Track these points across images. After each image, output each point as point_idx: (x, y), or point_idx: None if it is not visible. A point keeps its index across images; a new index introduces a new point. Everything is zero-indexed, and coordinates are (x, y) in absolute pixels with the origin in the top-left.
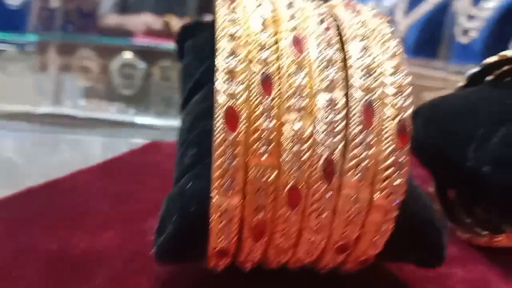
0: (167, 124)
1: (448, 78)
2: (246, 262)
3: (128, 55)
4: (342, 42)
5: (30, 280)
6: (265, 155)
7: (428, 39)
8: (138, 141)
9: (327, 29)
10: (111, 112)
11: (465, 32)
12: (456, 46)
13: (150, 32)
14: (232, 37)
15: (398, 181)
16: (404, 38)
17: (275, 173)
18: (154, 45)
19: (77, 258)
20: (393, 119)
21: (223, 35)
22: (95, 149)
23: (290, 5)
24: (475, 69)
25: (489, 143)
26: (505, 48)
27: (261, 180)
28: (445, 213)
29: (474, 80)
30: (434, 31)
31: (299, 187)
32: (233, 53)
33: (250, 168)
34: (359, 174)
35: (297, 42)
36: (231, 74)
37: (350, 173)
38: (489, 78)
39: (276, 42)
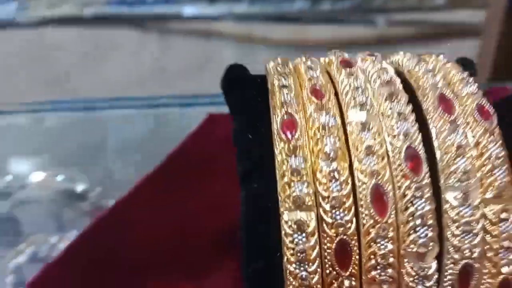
0: None
1: None
2: None
3: None
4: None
5: None
6: None
7: None
8: None
9: (416, 169)
10: None
11: None
12: None
13: None
14: (298, 203)
15: None
16: None
17: None
18: None
19: None
20: (493, 278)
21: (287, 199)
22: None
23: (364, 127)
24: None
25: None
26: None
27: None
28: None
29: None
30: None
31: None
32: (301, 226)
33: None
34: None
35: (378, 197)
36: (302, 254)
37: None
38: None
39: (350, 195)
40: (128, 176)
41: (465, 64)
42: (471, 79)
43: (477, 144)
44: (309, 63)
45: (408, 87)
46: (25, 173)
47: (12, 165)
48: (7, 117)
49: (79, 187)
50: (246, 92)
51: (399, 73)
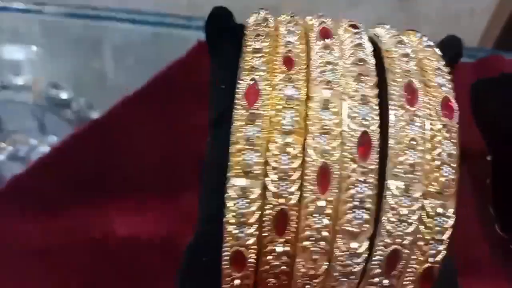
0: None
1: None
2: None
3: None
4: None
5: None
6: (275, 284)
7: None
8: None
9: (365, 154)
10: None
11: None
12: None
13: None
14: (246, 170)
15: None
16: None
17: None
18: None
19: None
20: (419, 264)
21: (236, 165)
22: None
23: (325, 106)
24: None
25: None
26: None
27: None
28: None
29: None
30: None
31: None
32: (245, 192)
33: (260, 286)
34: None
35: (323, 175)
36: (241, 218)
37: None
38: None
39: (297, 169)
40: (119, 81)
41: (452, 44)
42: (446, 70)
43: (432, 137)
44: (291, 25)
45: (382, 67)
46: (18, 62)
47: (4, 53)
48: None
49: (64, 95)
50: (227, 44)
51: (377, 50)
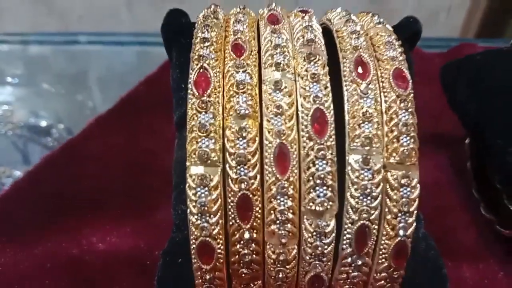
0: None
1: None
2: None
3: None
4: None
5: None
6: (247, 275)
7: None
8: None
9: (321, 131)
10: None
11: None
12: None
13: None
14: (203, 158)
15: None
16: None
17: (259, 283)
18: None
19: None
20: (390, 239)
21: (193, 153)
22: None
23: (277, 87)
24: None
25: None
26: None
27: None
28: (474, 179)
29: None
30: None
31: None
32: (204, 180)
33: (234, 280)
34: (348, 286)
35: (281, 156)
36: (203, 207)
37: (339, 282)
38: None
39: (255, 152)
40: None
41: (408, 24)
42: (396, 43)
43: (388, 109)
44: (240, 16)
45: (333, 48)
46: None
47: None
48: None
49: (43, 122)
50: (182, 42)
51: (328, 33)
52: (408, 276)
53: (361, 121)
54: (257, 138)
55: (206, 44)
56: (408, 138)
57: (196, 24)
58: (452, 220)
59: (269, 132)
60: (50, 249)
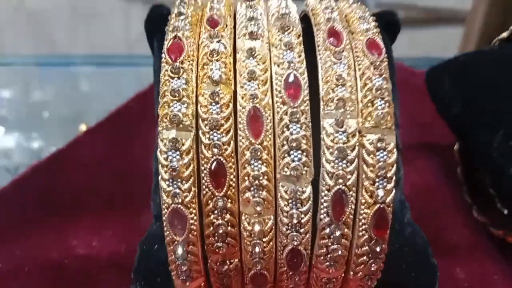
0: None
1: None
2: None
3: None
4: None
5: None
6: (223, 250)
7: None
8: None
9: (295, 95)
10: None
11: None
12: None
13: None
14: (174, 122)
15: (374, 267)
16: None
17: (236, 261)
18: None
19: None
20: (369, 208)
21: (164, 118)
22: None
23: (251, 54)
24: None
25: None
26: None
27: (222, 268)
28: (465, 183)
29: None
30: None
31: (264, 272)
32: (175, 143)
33: (209, 258)
34: (328, 262)
35: (254, 119)
36: (175, 172)
37: (319, 259)
38: None
39: (229, 117)
40: None
41: (384, 14)
42: (370, 18)
43: (361, 76)
44: None
45: (310, 28)
46: None
47: None
48: None
49: (35, 144)
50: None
51: (307, 20)
52: (395, 262)
53: (334, 85)
54: (230, 104)
55: (182, 17)
56: (382, 101)
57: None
58: (444, 222)
59: (242, 98)
60: (29, 252)
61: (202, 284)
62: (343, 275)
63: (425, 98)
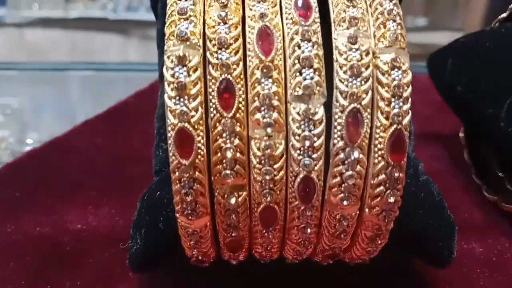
0: None
1: None
2: (230, 261)
3: None
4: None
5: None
6: (231, 178)
7: None
8: None
9: (305, 15)
10: None
11: None
12: None
13: None
14: (182, 38)
15: (391, 199)
16: None
17: (244, 194)
18: None
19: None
20: (385, 130)
21: (171, 35)
22: None
23: None
24: None
25: None
26: None
27: (229, 201)
28: (473, 165)
29: None
30: None
31: (274, 207)
32: (182, 59)
33: (216, 189)
34: (343, 194)
35: (264, 37)
36: (182, 88)
37: (333, 191)
38: None
39: (238, 38)
40: None
41: None
42: None
43: (372, 1)
44: None
45: None
46: None
47: None
48: None
49: (29, 141)
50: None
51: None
52: (411, 207)
53: (345, 7)
54: (239, 26)
55: None
56: (395, 23)
57: None
58: (455, 200)
59: (251, 19)
60: (22, 227)
61: (208, 224)
62: (357, 212)
63: (425, 98)
